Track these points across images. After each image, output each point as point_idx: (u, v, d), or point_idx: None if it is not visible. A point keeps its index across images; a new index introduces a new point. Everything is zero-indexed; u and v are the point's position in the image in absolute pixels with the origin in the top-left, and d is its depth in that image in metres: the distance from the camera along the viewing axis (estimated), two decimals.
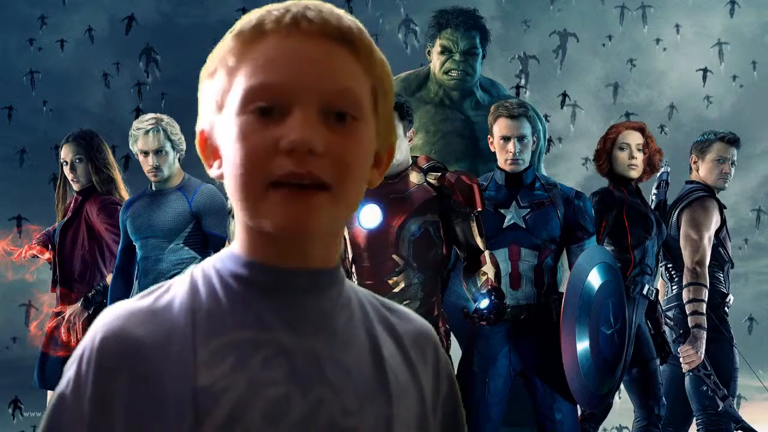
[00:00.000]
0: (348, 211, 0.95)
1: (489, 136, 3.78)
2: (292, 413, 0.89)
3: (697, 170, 4.41)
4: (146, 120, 4.07)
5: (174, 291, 0.95)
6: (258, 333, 0.92)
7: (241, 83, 0.91)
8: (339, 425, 0.91)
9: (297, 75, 0.90)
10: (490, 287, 3.25)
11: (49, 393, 4.38)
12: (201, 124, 0.97)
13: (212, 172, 0.96)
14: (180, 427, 0.87)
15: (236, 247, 0.96)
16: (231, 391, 0.88)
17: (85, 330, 4.23)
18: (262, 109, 0.90)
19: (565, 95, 8.07)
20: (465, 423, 1.07)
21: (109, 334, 0.90)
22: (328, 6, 0.94)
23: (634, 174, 4.07)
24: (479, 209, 3.39)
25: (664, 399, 4.03)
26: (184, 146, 4.13)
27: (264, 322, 0.93)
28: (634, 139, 4.07)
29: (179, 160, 4.13)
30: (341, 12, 0.94)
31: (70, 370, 0.92)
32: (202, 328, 0.91)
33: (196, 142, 0.98)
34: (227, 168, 0.92)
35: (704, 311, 4.10)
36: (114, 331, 0.91)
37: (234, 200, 0.93)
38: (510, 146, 3.64)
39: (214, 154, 0.96)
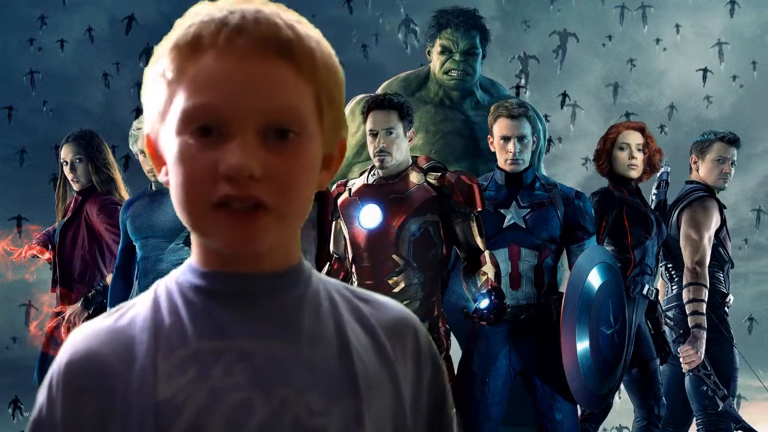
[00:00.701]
0: (294, 224, 0.95)
1: (489, 136, 3.78)
2: (254, 417, 0.89)
3: (697, 170, 4.41)
4: None
5: (137, 308, 0.96)
6: (219, 342, 0.92)
7: (180, 102, 0.91)
8: (305, 425, 0.90)
9: (235, 96, 0.89)
10: (490, 287, 3.25)
11: None
12: (146, 129, 0.97)
13: (161, 177, 0.96)
14: None
15: (193, 258, 0.97)
16: (192, 401, 0.89)
17: None
18: (200, 129, 0.89)
19: (565, 95, 8.07)
20: (453, 405, 1.06)
21: (74, 356, 0.92)
22: (268, 12, 0.92)
23: (634, 174, 4.07)
24: (479, 209, 3.39)
25: (664, 399, 4.03)
26: None
27: (224, 331, 0.93)
28: (634, 139, 4.07)
29: None
30: (281, 20, 0.92)
31: (41, 396, 0.93)
32: (164, 341, 0.92)
33: (145, 146, 1.00)
34: (171, 185, 0.93)
35: (704, 311, 4.10)
36: (79, 352, 0.93)
37: (180, 216, 0.93)
38: (510, 146, 3.64)
39: (161, 159, 0.96)
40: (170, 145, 0.92)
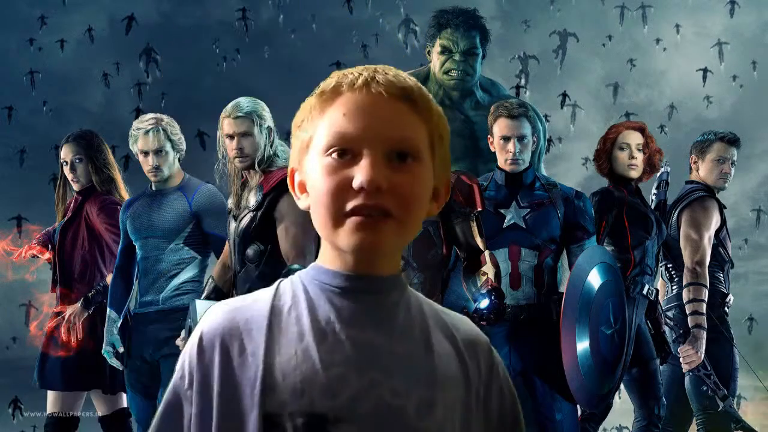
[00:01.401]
0: (410, 236, 1.16)
1: (489, 136, 3.78)
2: (347, 389, 1.09)
3: (697, 170, 4.42)
4: (146, 120, 4.07)
5: (261, 294, 1.18)
6: (325, 326, 1.13)
7: (323, 131, 1.14)
8: (387, 404, 1.09)
9: (367, 125, 1.12)
10: (490, 287, 3.25)
11: (49, 393, 4.37)
12: (292, 164, 1.21)
13: (301, 203, 1.19)
14: (253, 395, 1.09)
15: (320, 260, 1.19)
16: (298, 368, 1.09)
17: (84, 330, 4.23)
18: (339, 152, 1.12)
19: (565, 95, 8.07)
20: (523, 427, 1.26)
21: (206, 332, 1.15)
22: (395, 70, 1.17)
23: (634, 174, 4.07)
24: (479, 209, 3.39)
25: (664, 399, 4.03)
26: (184, 146, 4.13)
27: (332, 318, 1.14)
28: (634, 139, 4.07)
29: (179, 160, 4.13)
30: (404, 74, 1.17)
31: (178, 364, 1.16)
32: (279, 320, 1.14)
33: (288, 179, 1.22)
34: (314, 199, 1.15)
35: (704, 311, 4.10)
36: (209, 329, 1.15)
37: (318, 225, 1.15)
38: (510, 146, 3.64)
39: (301, 188, 1.19)
40: (314, 165, 1.15)
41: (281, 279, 1.21)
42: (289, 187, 1.22)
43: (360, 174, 1.10)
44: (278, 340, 1.12)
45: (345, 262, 1.15)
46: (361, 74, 1.15)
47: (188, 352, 1.15)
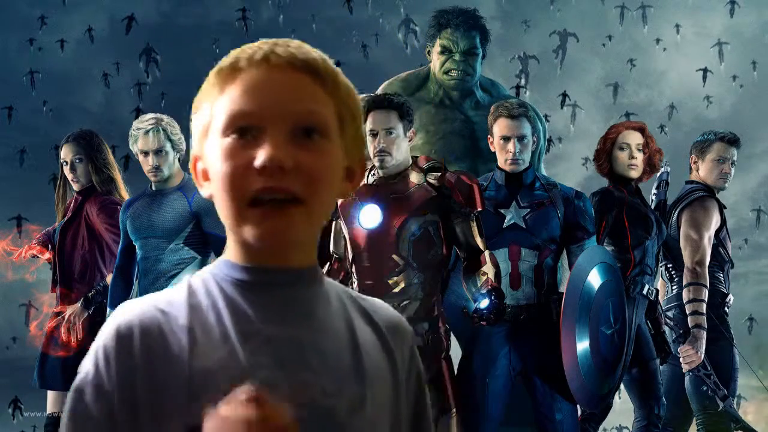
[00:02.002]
0: (320, 221, 1.09)
1: (489, 136, 3.78)
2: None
3: (697, 170, 4.42)
4: (146, 120, 4.07)
5: (173, 294, 1.10)
6: (247, 326, 1.06)
7: (222, 112, 1.06)
8: (319, 405, 1.04)
9: (267, 101, 1.05)
10: (490, 287, 3.25)
11: (49, 393, 4.37)
12: (192, 151, 1.13)
13: (204, 192, 1.11)
14: (178, 403, 1.01)
15: (228, 254, 1.11)
16: (224, 373, 1.02)
17: (85, 330, 4.22)
18: (239, 131, 1.05)
19: (565, 95, 8.07)
20: (429, 403, 1.23)
21: (122, 324, 1.05)
22: (297, 42, 1.10)
23: (634, 174, 4.07)
24: (479, 209, 3.39)
25: (664, 399, 4.03)
26: (184, 146, 4.13)
27: (252, 316, 1.07)
28: (634, 139, 4.07)
29: (179, 160, 4.13)
30: (308, 47, 1.10)
31: (88, 362, 1.05)
32: (199, 321, 1.06)
33: (190, 166, 1.14)
34: (215, 185, 1.07)
35: (704, 311, 4.10)
36: (125, 321, 1.05)
37: (222, 215, 1.07)
38: (510, 146, 3.64)
39: (204, 175, 1.11)
40: (214, 149, 1.07)
41: (191, 277, 1.12)
42: (192, 176, 1.13)
43: (262, 153, 1.03)
44: (201, 342, 1.04)
45: (254, 254, 1.08)
46: (260, 48, 1.08)
47: (102, 347, 1.04)
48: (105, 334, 1.06)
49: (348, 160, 1.11)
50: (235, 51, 1.09)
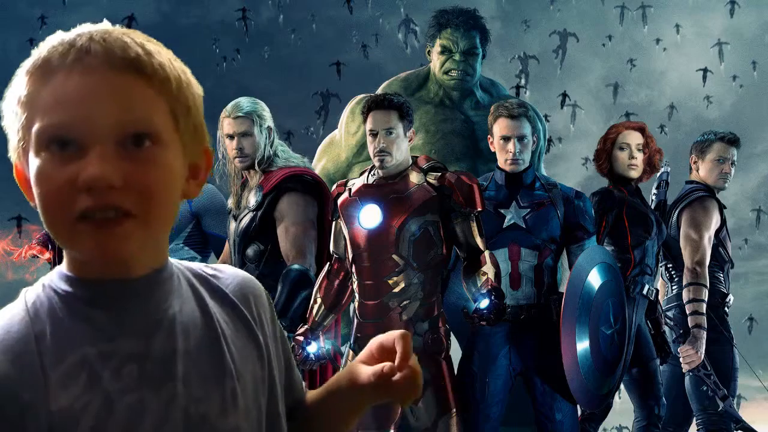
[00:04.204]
0: (159, 231, 0.99)
1: (489, 136, 3.77)
2: (149, 416, 0.94)
3: (697, 170, 4.41)
4: None
5: (10, 322, 0.96)
6: (103, 345, 0.95)
7: (36, 124, 0.94)
8: (192, 415, 0.97)
9: (86, 111, 0.92)
10: (490, 287, 3.24)
11: None
12: (13, 158, 1.00)
13: (33, 203, 0.99)
14: None
15: (65, 267, 1.00)
16: (87, 408, 0.91)
17: None
18: (58, 145, 0.93)
19: (565, 95, 8.07)
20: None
21: None
22: (116, 33, 0.97)
23: (634, 174, 4.07)
24: (479, 209, 3.39)
25: (664, 399, 4.02)
26: None
27: (106, 334, 0.96)
28: (634, 139, 4.07)
29: None
30: (129, 38, 0.97)
31: None
32: (48, 351, 0.94)
33: (14, 175, 1.01)
34: (38, 203, 0.95)
35: (704, 311, 4.10)
36: None
37: (50, 232, 0.96)
38: (510, 146, 3.64)
39: (29, 184, 0.98)
40: (31, 167, 0.95)
41: (25, 294, 1.00)
42: (18, 184, 1.01)
43: (86, 170, 0.91)
44: (55, 380, 0.92)
45: (95, 269, 0.98)
46: (73, 44, 0.95)
47: None
48: None
49: (189, 156, 1.01)
50: (49, 42, 0.97)
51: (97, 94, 0.93)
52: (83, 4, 7.88)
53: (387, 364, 1.06)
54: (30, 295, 1.00)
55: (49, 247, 4.53)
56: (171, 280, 1.04)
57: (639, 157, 4.06)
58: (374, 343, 1.10)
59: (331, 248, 3.60)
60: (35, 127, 0.94)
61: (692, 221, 4.23)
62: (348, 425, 1.17)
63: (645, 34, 8.10)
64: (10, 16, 7.74)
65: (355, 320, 3.45)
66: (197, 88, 1.03)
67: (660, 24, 8.06)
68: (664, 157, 4.26)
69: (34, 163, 0.94)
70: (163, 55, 0.99)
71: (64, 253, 1.01)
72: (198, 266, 1.11)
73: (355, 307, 3.46)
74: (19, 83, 0.97)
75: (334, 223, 3.56)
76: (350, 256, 3.47)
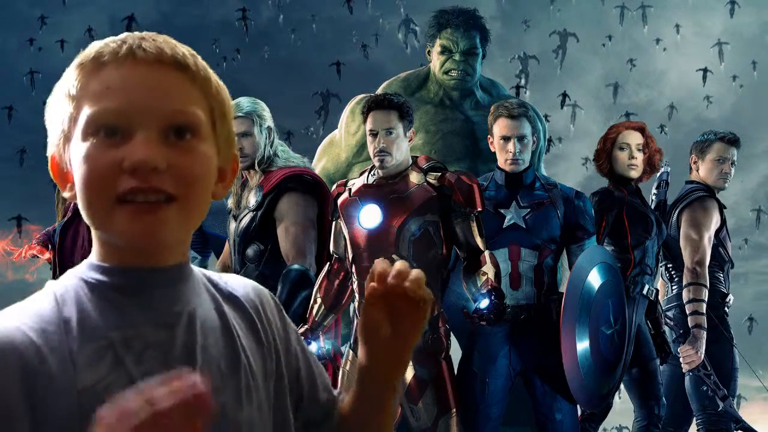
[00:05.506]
0: (195, 221, 1.03)
1: (489, 136, 3.77)
2: None
3: (697, 170, 4.41)
4: None
5: (37, 306, 1.01)
6: (128, 330, 1.00)
7: (84, 111, 0.99)
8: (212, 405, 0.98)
9: (135, 99, 0.98)
10: (490, 287, 3.24)
11: None
12: (50, 150, 1.05)
13: (66, 193, 1.04)
14: (67, 423, 0.93)
15: (94, 257, 1.05)
16: (112, 389, 0.94)
17: None
18: (105, 131, 0.98)
19: (565, 95, 8.07)
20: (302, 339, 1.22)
21: None
22: (164, 37, 1.04)
23: (634, 174, 4.07)
24: (479, 209, 3.39)
25: (664, 399, 4.02)
26: None
27: (130, 321, 1.00)
28: (634, 139, 4.07)
29: None
30: (175, 42, 1.04)
31: None
32: (76, 334, 0.98)
33: (49, 167, 1.05)
34: (79, 186, 0.99)
35: (704, 311, 4.10)
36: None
37: (84, 216, 1.01)
38: (510, 146, 3.64)
39: (66, 177, 1.03)
40: (77, 152, 0.99)
41: (53, 284, 1.04)
42: (52, 176, 1.05)
43: (132, 153, 0.96)
44: (82, 360, 0.96)
45: (124, 256, 1.02)
46: (125, 42, 1.00)
47: None
48: None
49: (220, 160, 1.06)
50: (98, 43, 1.02)
51: (146, 84, 0.98)
52: (83, 4, 7.88)
53: (376, 272, 1.10)
54: (57, 286, 1.03)
55: (49, 247, 4.53)
56: (192, 277, 1.08)
57: (639, 157, 4.06)
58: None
59: (331, 248, 3.60)
60: (84, 114, 0.98)
61: (692, 221, 4.23)
62: (383, 426, 1.18)
63: (645, 34, 8.10)
64: (10, 16, 7.74)
65: (355, 320, 3.45)
66: (230, 101, 1.09)
67: (660, 24, 8.06)
68: (664, 157, 4.26)
69: (79, 148, 0.98)
70: (205, 64, 1.06)
71: (94, 243, 1.04)
72: (208, 272, 1.15)
73: (355, 307, 3.46)
74: (69, 77, 1.01)
75: (334, 223, 3.56)
76: (350, 256, 3.47)
